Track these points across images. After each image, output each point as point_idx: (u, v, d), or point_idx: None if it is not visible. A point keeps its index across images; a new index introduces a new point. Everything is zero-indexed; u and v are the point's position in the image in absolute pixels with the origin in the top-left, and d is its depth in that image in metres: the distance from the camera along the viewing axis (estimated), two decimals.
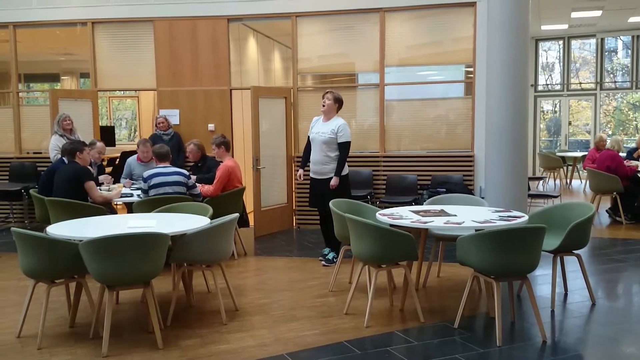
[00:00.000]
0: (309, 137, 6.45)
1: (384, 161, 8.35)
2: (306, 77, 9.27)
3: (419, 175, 8.21)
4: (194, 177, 6.66)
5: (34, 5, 8.86)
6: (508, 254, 4.01)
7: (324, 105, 6.27)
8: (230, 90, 8.67)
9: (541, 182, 13.14)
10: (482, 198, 7.56)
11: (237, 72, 9.47)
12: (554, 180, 14.01)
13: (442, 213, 4.94)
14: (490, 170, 7.36)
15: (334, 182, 6.17)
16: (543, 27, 13.96)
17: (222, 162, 6.72)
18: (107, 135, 10.97)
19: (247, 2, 8.51)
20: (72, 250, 4.04)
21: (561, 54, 15.72)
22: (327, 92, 6.32)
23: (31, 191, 6.54)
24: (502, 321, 4.43)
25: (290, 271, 6.21)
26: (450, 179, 8.08)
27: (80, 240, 3.95)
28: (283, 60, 11.08)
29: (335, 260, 6.14)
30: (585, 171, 10.29)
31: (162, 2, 8.67)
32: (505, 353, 3.93)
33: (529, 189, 8.72)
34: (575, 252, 4.89)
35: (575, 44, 15.96)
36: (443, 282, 5.65)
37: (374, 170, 8.32)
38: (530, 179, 11.66)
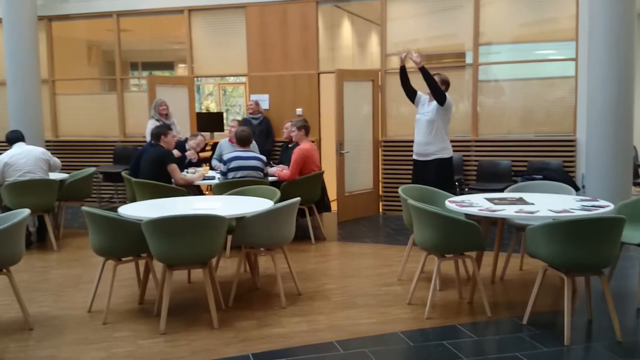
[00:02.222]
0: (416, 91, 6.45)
1: (476, 146, 7.95)
2: (395, 59, 8.99)
3: (513, 161, 7.74)
4: (273, 169, 6.71)
5: None
6: (580, 247, 3.65)
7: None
8: (319, 74, 8.62)
9: None
10: (584, 186, 7.07)
11: (329, 56, 9.41)
12: None
13: (519, 201, 4.60)
14: (591, 156, 6.81)
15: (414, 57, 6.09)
16: None
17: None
18: (216, 121, 11.34)
19: None
20: (136, 230, 4.17)
21: None
22: (434, 74, 6.16)
23: (122, 173, 6.88)
24: (577, 319, 4.10)
25: (364, 258, 6.09)
26: (549, 165, 7.54)
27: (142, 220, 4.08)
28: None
29: None
30: None
31: None
32: (572, 353, 3.61)
33: (639, 176, 7.99)
34: None
35: None
36: (525, 276, 5.28)
37: (464, 156, 7.96)
38: None
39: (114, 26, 9.49)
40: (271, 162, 7.34)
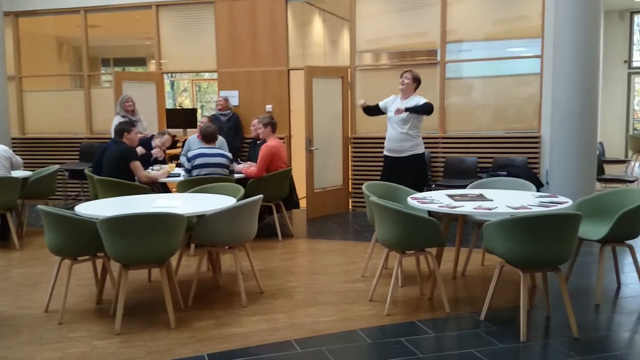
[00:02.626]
0: (378, 104, 6.45)
1: (443, 143, 7.99)
2: (366, 56, 9.00)
3: (479, 158, 7.79)
4: (240, 166, 6.67)
5: None
6: (536, 243, 3.67)
7: (402, 84, 6.17)
8: (288, 70, 8.58)
9: (626, 165, 12.13)
10: (547, 183, 7.13)
11: (300, 52, 9.38)
12: None
13: (479, 198, 4.62)
14: (555, 152, 6.87)
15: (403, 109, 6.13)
16: None
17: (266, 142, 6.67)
18: (190, 117, 11.22)
19: None
20: (92, 229, 4.09)
21: None
22: (406, 71, 6.20)
23: (85, 170, 6.77)
24: (535, 315, 4.14)
25: (331, 254, 6.08)
26: (513, 161, 7.61)
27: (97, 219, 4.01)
28: None
29: None
30: None
31: None
32: (528, 349, 3.62)
33: (603, 172, 8.09)
34: (628, 242, 4.43)
35: None
36: (486, 271, 5.31)
37: (432, 152, 7.99)
38: (614, 162, 10.85)
39: (82, 22, 9.35)
40: (239, 159, 7.30)
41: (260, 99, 8.68)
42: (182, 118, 11.01)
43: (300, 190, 7.85)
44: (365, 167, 8.32)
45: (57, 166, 7.49)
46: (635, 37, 14.92)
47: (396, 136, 6.19)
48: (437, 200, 4.55)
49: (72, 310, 4.42)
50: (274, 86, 8.63)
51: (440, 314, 4.24)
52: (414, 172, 6.11)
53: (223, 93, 8.81)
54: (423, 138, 6.52)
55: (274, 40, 8.57)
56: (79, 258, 4.34)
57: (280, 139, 8.37)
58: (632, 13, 14.36)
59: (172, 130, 11.38)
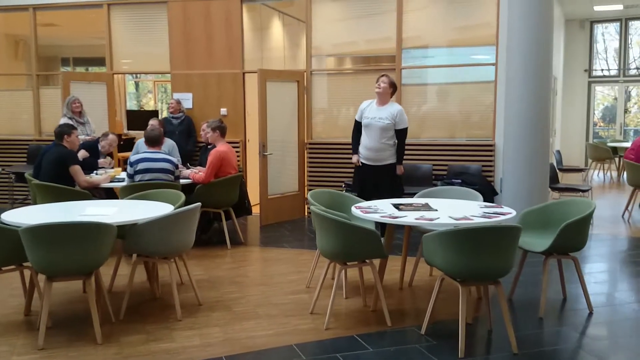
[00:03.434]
0: (356, 120, 6.13)
1: None
2: (323, 60, 8.88)
3: (434, 165, 7.73)
4: (187, 171, 6.48)
5: None
6: (474, 256, 3.57)
7: (378, 88, 5.90)
8: (244, 73, 8.41)
9: (584, 174, 12.26)
10: (501, 191, 7.09)
11: (258, 56, 9.21)
12: (604, 173, 13.10)
13: (424, 207, 4.51)
14: (508, 160, 6.84)
15: (399, 171, 6.05)
16: (596, 8, 12.99)
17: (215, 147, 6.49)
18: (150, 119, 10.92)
19: None
20: (17, 237, 3.87)
21: (619, 37, 14.62)
22: (382, 76, 5.96)
23: (26, 174, 6.49)
24: (478, 329, 4.05)
25: (278, 263, 5.91)
26: (468, 169, 7.56)
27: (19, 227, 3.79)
28: None
29: None
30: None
31: None
32: None
33: (558, 181, 8.09)
34: (573, 254, 4.37)
35: (635, 24, 14.79)
36: (434, 282, 5.11)
37: None
38: (572, 170, 10.92)
39: (31, 20, 9.02)
40: (188, 164, 7.10)
41: (215, 102, 8.49)
42: (143, 120, 10.71)
43: (256, 196, 7.69)
44: (321, 173, 8.18)
45: None
46: (597, 46, 15.13)
47: (375, 145, 5.96)
48: (381, 209, 4.43)
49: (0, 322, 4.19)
50: (229, 89, 8.44)
51: (380, 328, 4.11)
52: (390, 180, 6.00)
53: (176, 95, 8.59)
54: None
55: (229, 42, 8.39)
56: (4, 268, 4.10)
57: (235, 143, 8.27)
58: (593, 23, 14.56)
59: (133, 132, 11.16)
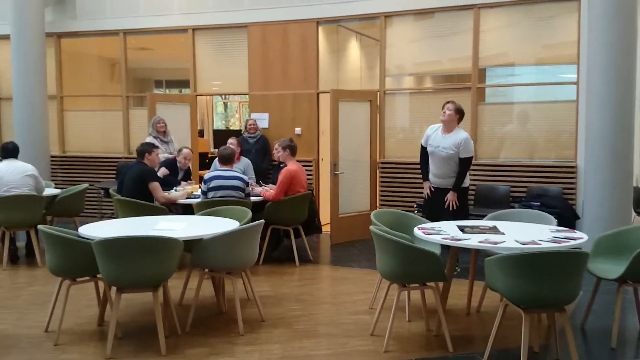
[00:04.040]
0: (422, 146, 6.01)
1: (474, 170, 7.70)
2: (399, 79, 8.86)
3: (512, 187, 7.48)
4: (259, 189, 6.62)
5: (141, 14, 9.36)
6: (537, 282, 3.43)
7: (443, 115, 5.79)
8: (318, 94, 8.53)
9: None
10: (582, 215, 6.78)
11: (334, 76, 9.32)
12: None
13: (490, 230, 4.38)
14: (589, 183, 6.53)
15: (450, 197, 5.78)
16: None
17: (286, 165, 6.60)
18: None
19: (336, 4, 8.33)
20: (90, 250, 4.09)
21: None
22: (448, 102, 5.85)
23: (110, 190, 6.87)
24: (545, 357, 3.87)
25: (344, 283, 5.91)
26: (548, 191, 7.27)
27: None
28: None
29: (457, 269, 5.76)
30: None
31: (256, 7, 8.75)
32: None
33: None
34: None
35: None
36: (509, 307, 5.01)
37: None
38: None
39: (121, 44, 9.58)
40: (260, 182, 7.25)
41: (290, 121, 8.65)
42: (227, 138, 11.13)
43: (328, 214, 7.75)
44: (393, 193, 8.14)
45: (85, 185, 7.64)
46: None
47: (440, 172, 5.87)
48: (444, 231, 4.34)
49: (72, 331, 4.43)
50: (304, 109, 8.59)
51: (442, 353, 4.02)
52: (455, 205, 5.81)
53: (254, 115, 8.83)
54: None
55: (304, 63, 8.55)
56: (78, 279, 4.34)
57: (309, 161, 8.38)
58: None
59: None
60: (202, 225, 4.76)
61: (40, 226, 4.25)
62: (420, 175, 6.16)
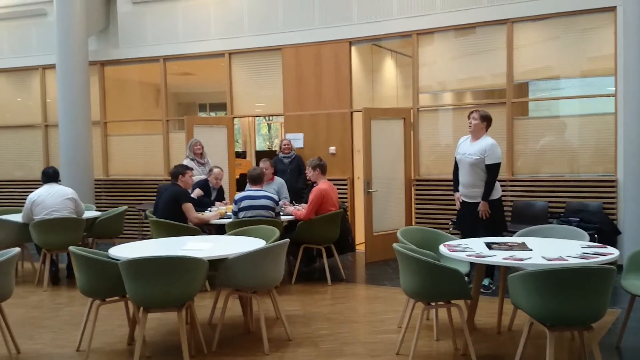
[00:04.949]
0: (455, 158, 6.04)
1: (511, 185, 7.57)
2: (433, 97, 8.80)
3: (550, 202, 7.30)
4: (291, 208, 6.65)
5: (180, 40, 9.63)
6: (560, 299, 3.32)
7: (470, 125, 5.82)
8: (352, 112, 8.56)
9: None
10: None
11: (370, 95, 9.35)
12: None
13: (518, 247, 4.28)
14: (628, 197, 6.33)
15: (482, 207, 5.73)
16: None
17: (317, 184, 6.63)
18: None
19: (367, 24, 8.37)
20: (117, 270, 4.19)
21: None
22: (472, 112, 5.88)
23: (147, 211, 7.02)
24: None
25: (375, 301, 5.86)
26: (587, 206, 7.06)
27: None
28: None
29: (491, 286, 5.78)
30: None
31: (290, 30, 8.88)
32: None
33: None
34: None
35: None
36: (536, 326, 4.87)
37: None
38: None
39: (161, 70, 9.85)
40: (293, 201, 7.29)
41: (324, 141, 8.70)
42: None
43: (363, 232, 7.72)
44: (428, 210, 8.05)
45: (124, 207, 7.84)
46: None
47: (466, 181, 5.84)
48: (470, 247, 4.27)
49: (102, 350, 4.52)
50: (338, 128, 8.62)
51: None
52: (486, 219, 5.71)
53: (288, 136, 8.92)
54: None
55: (337, 83, 8.60)
56: (107, 299, 4.45)
57: (343, 180, 8.39)
58: None
59: None
60: (228, 245, 4.81)
61: (71, 247, 4.37)
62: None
